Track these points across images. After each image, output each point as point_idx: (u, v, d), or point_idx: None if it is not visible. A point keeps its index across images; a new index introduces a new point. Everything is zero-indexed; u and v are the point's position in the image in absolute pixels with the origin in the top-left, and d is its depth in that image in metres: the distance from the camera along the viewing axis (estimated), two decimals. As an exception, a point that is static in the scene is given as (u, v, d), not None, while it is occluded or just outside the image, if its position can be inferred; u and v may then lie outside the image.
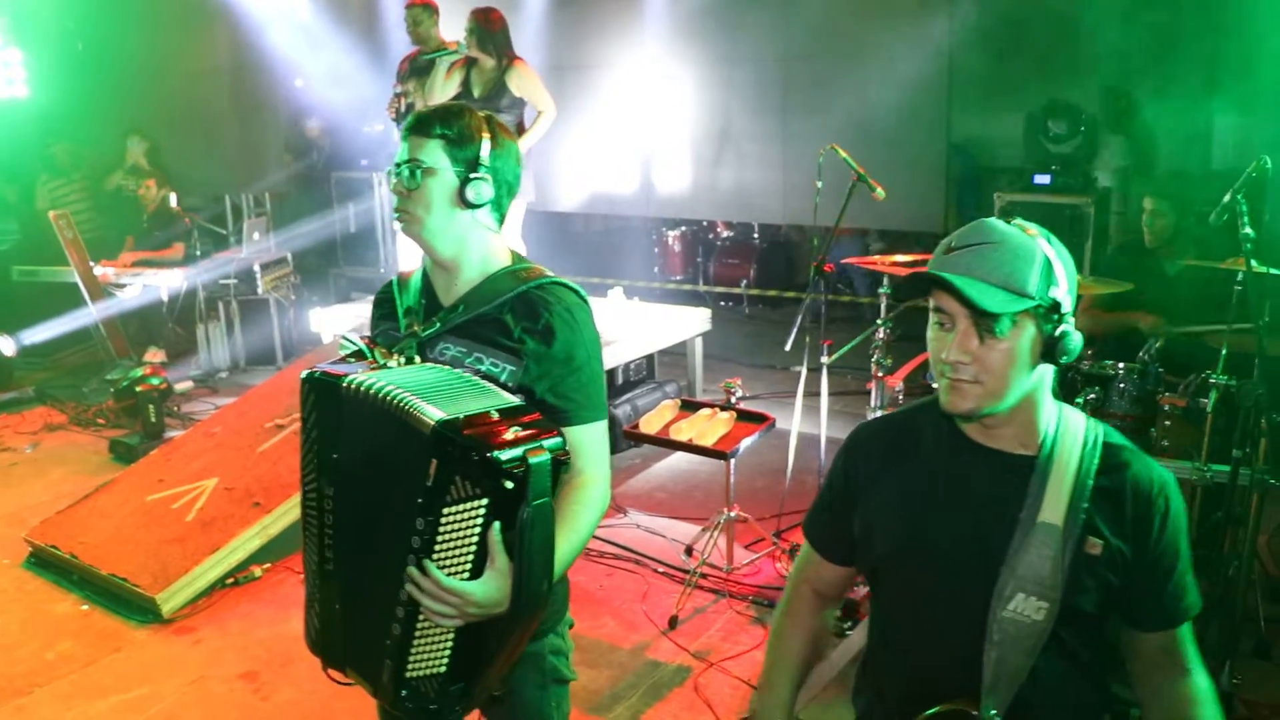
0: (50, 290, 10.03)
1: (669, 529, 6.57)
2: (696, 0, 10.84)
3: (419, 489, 2.22)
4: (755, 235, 12.67)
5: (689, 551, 6.18)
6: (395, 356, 2.64)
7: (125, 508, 6.45)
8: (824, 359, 6.09)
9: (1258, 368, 4.46)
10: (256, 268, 10.14)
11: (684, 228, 12.81)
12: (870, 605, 2.60)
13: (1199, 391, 4.92)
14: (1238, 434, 4.53)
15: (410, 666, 2.36)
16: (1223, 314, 4.85)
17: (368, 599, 2.47)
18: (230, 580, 5.94)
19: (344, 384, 2.44)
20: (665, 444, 6.07)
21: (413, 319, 2.78)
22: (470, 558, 2.23)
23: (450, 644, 2.33)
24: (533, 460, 2.16)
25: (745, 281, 12.07)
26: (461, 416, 2.21)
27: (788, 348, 6.28)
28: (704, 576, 5.82)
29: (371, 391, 2.37)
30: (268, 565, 6.04)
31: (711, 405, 6.22)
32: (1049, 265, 2.19)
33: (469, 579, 2.24)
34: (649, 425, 6.09)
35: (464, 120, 2.67)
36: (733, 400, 6.27)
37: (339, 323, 9.22)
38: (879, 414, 5.86)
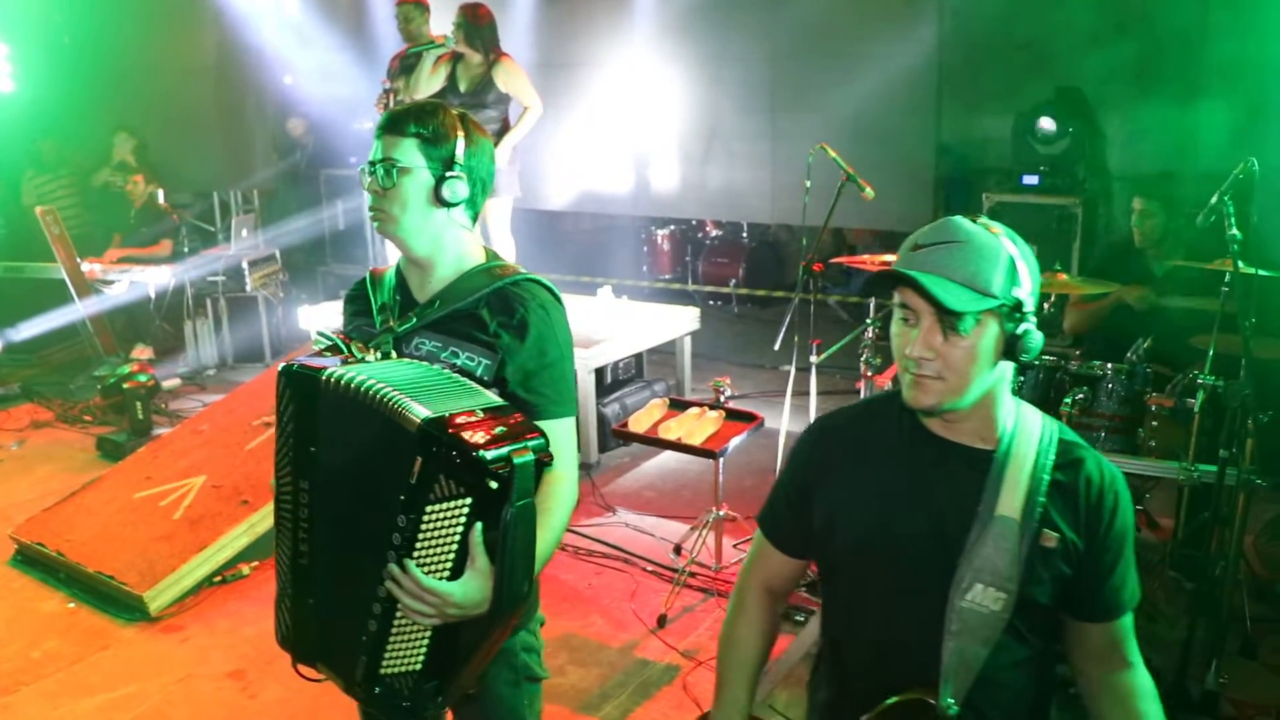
0: (37, 286, 9.99)
1: (658, 528, 6.58)
2: (686, -1, 10.85)
3: (402, 486, 2.21)
4: (744, 234, 12.68)
5: (678, 550, 6.19)
6: (372, 351, 2.64)
7: (112, 505, 6.44)
8: (813, 358, 6.09)
9: (1245, 368, 4.48)
10: (245, 265, 10.12)
11: (673, 227, 12.81)
12: (825, 597, 2.62)
13: (1186, 392, 4.93)
14: (1224, 434, 4.55)
15: (385, 663, 2.35)
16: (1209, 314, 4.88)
17: (343, 594, 2.46)
18: (218, 578, 5.93)
19: (323, 378, 2.42)
20: (654, 443, 6.07)
21: (388, 315, 2.79)
22: (451, 557, 2.23)
23: (426, 642, 2.32)
24: (517, 460, 2.16)
25: (734, 281, 12.08)
26: (447, 415, 2.21)
27: (776, 347, 6.30)
28: (693, 575, 5.83)
29: (353, 386, 2.35)
30: (255, 563, 6.03)
31: (700, 404, 6.22)
32: (1013, 265, 2.23)
33: (449, 578, 2.23)
34: (638, 424, 6.09)
35: (439, 119, 2.69)
36: (721, 399, 6.27)
37: (327, 320, 9.20)
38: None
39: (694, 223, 12.84)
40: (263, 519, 6.03)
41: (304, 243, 12.56)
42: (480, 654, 2.35)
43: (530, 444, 2.21)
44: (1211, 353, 4.79)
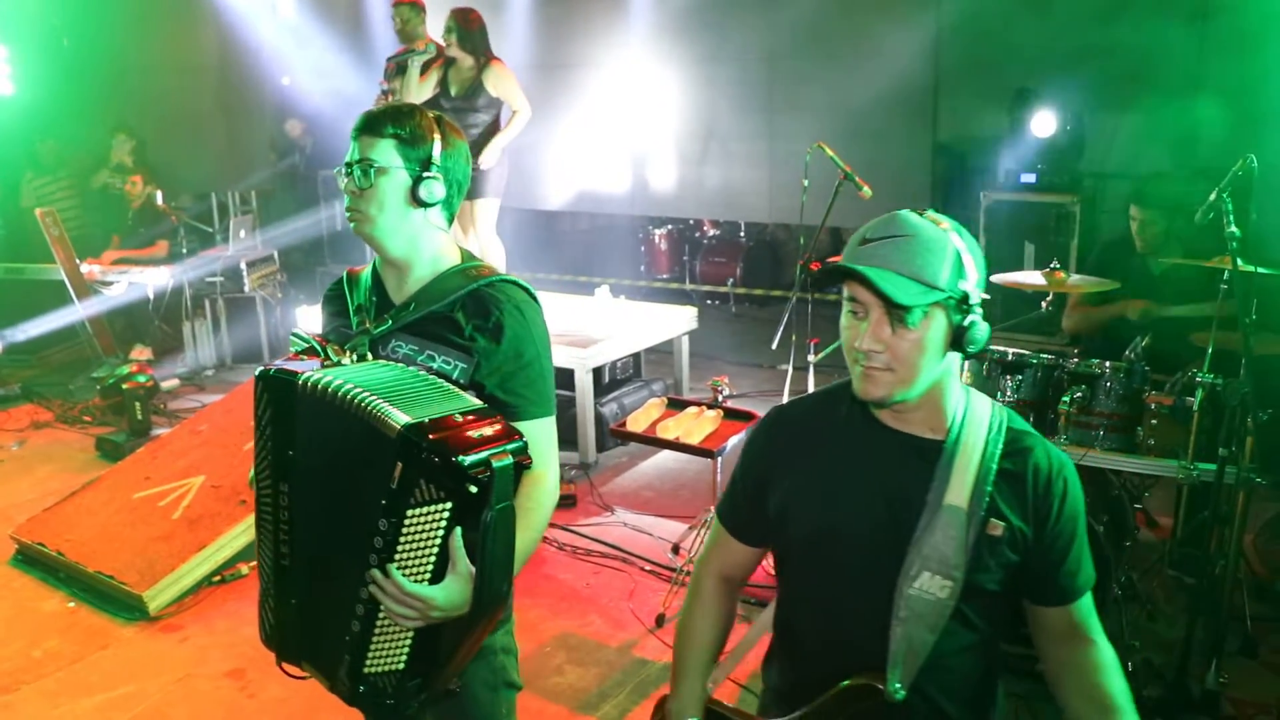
0: (36, 288, 9.99)
1: (656, 527, 6.58)
2: (682, -1, 10.85)
3: (382, 490, 2.23)
4: (742, 234, 12.68)
5: (676, 550, 6.19)
6: (348, 354, 2.65)
7: (112, 505, 6.44)
8: (810, 357, 6.10)
9: (1244, 366, 4.47)
10: (243, 265, 10.12)
11: (670, 226, 12.82)
12: (779, 584, 2.67)
13: (1185, 390, 4.93)
14: (1224, 432, 4.54)
15: (368, 663, 2.37)
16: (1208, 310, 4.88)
17: (325, 594, 2.48)
18: (217, 578, 5.93)
19: (300, 381, 2.43)
20: (652, 442, 6.08)
21: (364, 316, 2.80)
22: (432, 559, 2.24)
23: (408, 642, 2.34)
24: (496, 464, 2.17)
25: (732, 280, 12.08)
26: (427, 420, 2.21)
27: (774, 346, 6.29)
28: (690, 574, 5.81)
29: (330, 390, 2.36)
30: (254, 563, 5.98)
31: (698, 403, 6.22)
32: (959, 258, 2.27)
33: (430, 580, 2.25)
34: (636, 424, 6.09)
35: (415, 120, 2.70)
36: (719, 398, 6.27)
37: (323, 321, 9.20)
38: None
39: (691, 222, 12.85)
40: (262, 519, 6.02)
41: (302, 243, 12.57)
42: (462, 652, 2.37)
43: (509, 447, 2.22)
44: (1210, 350, 4.79)
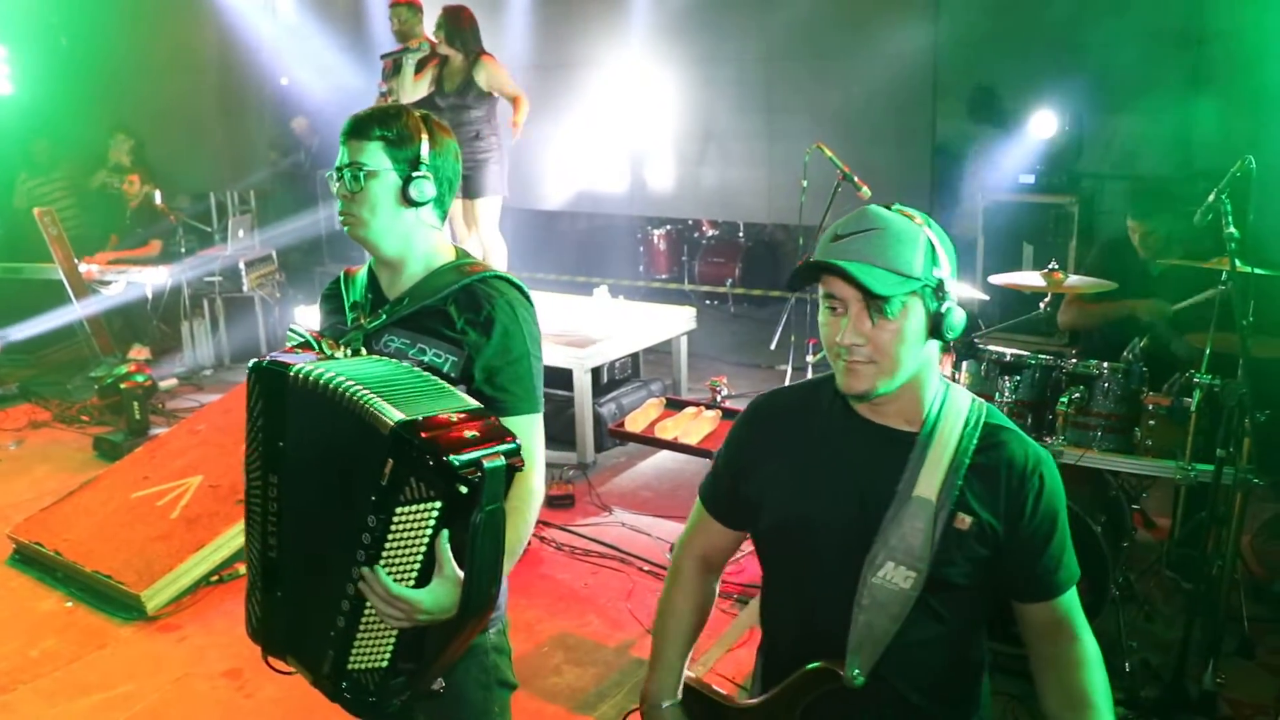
0: (35, 287, 9.99)
1: (654, 527, 6.57)
2: (682, -1, 10.84)
3: (372, 486, 2.23)
4: (740, 234, 12.67)
5: (674, 550, 6.17)
6: (342, 348, 2.67)
7: (109, 505, 6.44)
8: (809, 358, 6.11)
9: (1242, 367, 4.48)
10: (241, 265, 10.12)
11: (669, 226, 12.81)
12: (761, 572, 2.67)
13: (1183, 391, 4.93)
14: (1221, 433, 4.55)
15: (353, 659, 2.37)
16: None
17: (311, 588, 2.48)
18: (215, 578, 5.93)
19: (291, 373, 2.44)
20: (650, 442, 6.09)
21: (359, 312, 2.81)
22: (419, 558, 2.24)
23: (393, 640, 2.35)
24: (488, 465, 2.17)
25: (730, 280, 12.08)
26: (420, 418, 2.21)
27: (773, 346, 6.31)
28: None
29: (321, 382, 2.37)
30: (252, 562, 6.03)
31: (697, 404, 6.24)
32: (932, 246, 2.30)
33: (417, 578, 2.25)
34: (634, 424, 6.11)
35: (401, 120, 2.71)
36: (718, 399, 6.29)
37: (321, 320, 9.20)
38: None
39: (690, 222, 12.84)
40: (259, 519, 6.02)
41: (300, 243, 12.58)
42: (448, 652, 2.37)
43: (501, 449, 2.22)
44: (1208, 351, 4.79)
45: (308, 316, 9.35)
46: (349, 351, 2.66)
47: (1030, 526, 2.34)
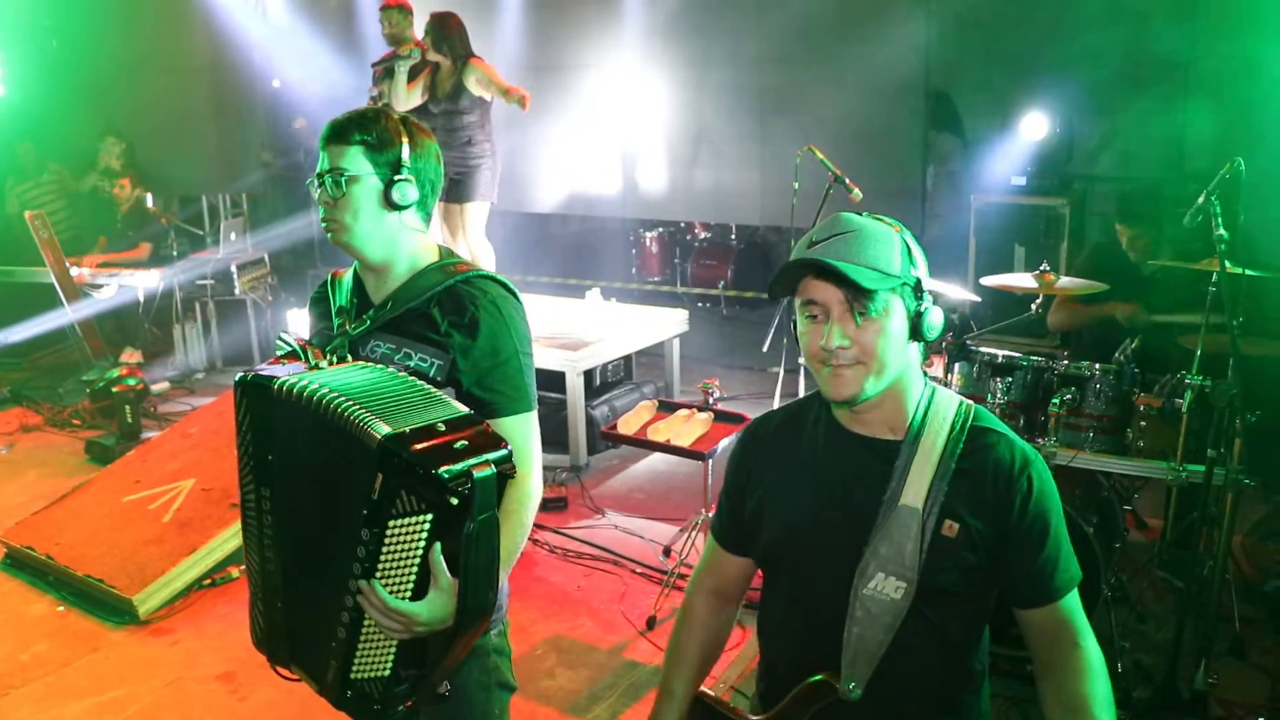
0: (26, 290, 9.97)
1: (647, 530, 6.59)
2: (674, 1, 10.82)
3: (364, 500, 2.23)
4: (733, 236, 12.67)
5: (667, 552, 6.19)
6: (327, 357, 2.66)
7: (102, 509, 6.44)
8: (801, 360, 6.10)
9: (1232, 368, 4.49)
10: (233, 268, 10.09)
11: (661, 229, 12.80)
12: (761, 588, 2.67)
13: (1174, 392, 4.95)
14: (1212, 434, 4.57)
15: (354, 669, 2.38)
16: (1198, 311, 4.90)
17: (310, 600, 2.49)
18: (207, 581, 5.93)
19: (274, 386, 2.44)
20: (643, 445, 6.08)
21: (345, 318, 2.81)
22: (415, 570, 2.25)
23: (394, 649, 2.35)
24: (477, 475, 2.16)
25: (723, 283, 12.08)
26: (408, 430, 2.21)
27: (765, 349, 6.30)
28: (682, 577, 5.82)
29: (304, 395, 2.37)
30: (244, 567, 6.01)
31: (689, 406, 6.23)
32: (907, 246, 2.33)
33: (413, 589, 2.25)
34: (627, 426, 6.10)
35: (381, 124, 2.70)
36: (710, 401, 6.27)
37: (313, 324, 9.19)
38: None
39: (682, 225, 12.84)
40: (252, 522, 6.02)
41: (292, 246, 12.58)
42: (449, 659, 2.37)
43: (492, 457, 2.21)
44: (1199, 353, 4.80)
45: (299, 320, 9.34)
46: (334, 359, 2.66)
47: (1020, 530, 2.31)
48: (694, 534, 5.92)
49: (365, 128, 2.68)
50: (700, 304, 12.24)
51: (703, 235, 12.87)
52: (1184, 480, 4.77)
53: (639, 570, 6.08)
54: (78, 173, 11.42)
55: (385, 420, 2.23)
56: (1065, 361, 5.24)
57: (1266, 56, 7.62)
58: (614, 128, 11.52)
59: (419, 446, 2.17)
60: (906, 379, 2.37)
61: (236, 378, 2.56)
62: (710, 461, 5.73)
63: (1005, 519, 2.31)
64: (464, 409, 2.38)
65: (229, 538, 6.00)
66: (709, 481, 5.85)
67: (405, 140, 2.71)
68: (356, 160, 2.66)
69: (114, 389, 8.19)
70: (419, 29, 8.75)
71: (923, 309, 2.31)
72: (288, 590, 2.56)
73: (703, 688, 2.73)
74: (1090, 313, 6.04)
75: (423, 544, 2.22)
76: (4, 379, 9.80)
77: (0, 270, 10.23)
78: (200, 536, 5.99)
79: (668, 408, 6.32)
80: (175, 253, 10.38)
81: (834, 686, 2.35)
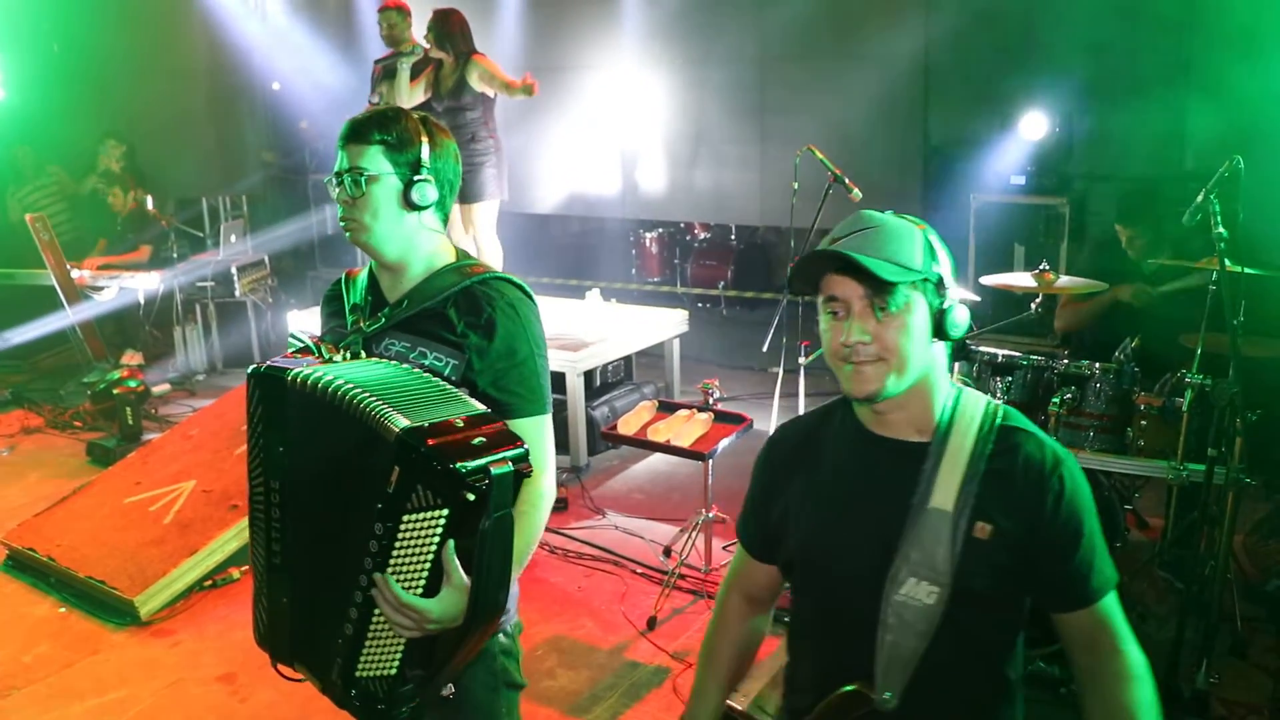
0: (27, 293, 9.97)
1: (647, 530, 6.59)
2: (673, 2, 10.82)
3: (379, 494, 2.21)
4: (733, 237, 12.65)
5: (667, 552, 6.19)
6: (341, 352, 2.65)
7: (103, 510, 6.44)
8: (801, 360, 6.10)
9: (1233, 367, 4.49)
10: (234, 270, 10.11)
11: (661, 229, 12.78)
12: (790, 597, 2.64)
13: (1175, 391, 4.95)
14: (1213, 433, 4.57)
15: (361, 667, 2.36)
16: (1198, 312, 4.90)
17: (318, 595, 2.47)
18: (208, 583, 5.93)
19: (289, 378, 2.43)
20: (643, 445, 6.08)
21: (359, 315, 2.80)
22: (427, 566, 2.23)
23: (402, 647, 2.33)
24: (495, 472, 2.15)
25: (723, 283, 12.06)
26: (426, 424, 2.19)
27: (765, 349, 6.29)
28: (682, 577, 5.83)
29: (321, 386, 2.35)
30: (246, 567, 6.02)
31: (689, 406, 6.22)
32: (929, 243, 2.29)
33: (424, 585, 2.23)
34: (627, 426, 6.10)
35: (401, 124, 2.69)
36: (710, 401, 6.27)
37: (315, 325, 9.18)
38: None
39: (682, 225, 12.81)
40: (253, 523, 6.02)
41: (292, 248, 12.59)
42: (457, 659, 2.35)
43: (509, 455, 2.20)
44: (1199, 351, 4.80)
45: (300, 321, 9.35)
46: (348, 355, 2.65)
47: (1053, 531, 2.25)
48: (694, 534, 5.92)
49: (385, 127, 2.67)
50: (700, 304, 12.21)
51: (702, 236, 12.85)
52: (1185, 479, 4.77)
53: (639, 571, 6.08)
54: (78, 175, 11.41)
55: (403, 413, 2.22)
56: (1065, 361, 5.24)
57: (1267, 55, 7.62)
58: (614, 128, 11.55)
59: (437, 441, 2.16)
60: (932, 379, 2.33)
61: (250, 369, 2.54)
62: (710, 461, 5.73)
63: (1037, 519, 2.25)
64: (481, 406, 2.38)
65: (230, 539, 6.00)
66: (709, 482, 5.85)
67: (425, 140, 2.69)
68: (376, 160, 2.65)
69: (115, 391, 8.19)
70: (420, 28, 8.75)
71: (946, 306, 2.27)
72: (294, 584, 2.54)
73: (729, 702, 2.71)
74: (1094, 307, 6.05)
75: (437, 540, 2.20)
76: (5, 381, 9.81)
77: (1, 273, 10.23)
78: (201, 538, 5.99)
79: (668, 408, 6.32)
80: (175, 255, 10.38)
81: (868, 696, 2.30)
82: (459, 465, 2.12)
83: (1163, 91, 8.40)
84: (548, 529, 6.34)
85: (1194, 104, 8.31)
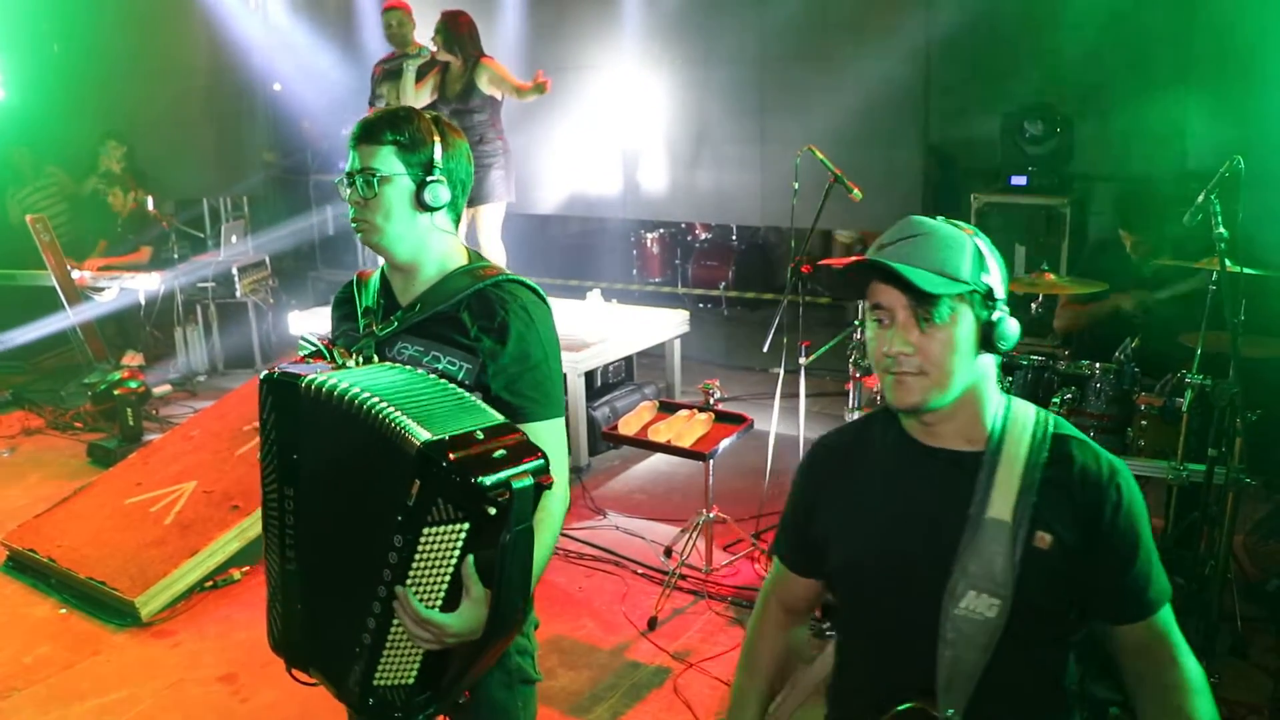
0: (27, 293, 9.98)
1: (648, 530, 6.59)
2: (674, 1, 10.82)
3: (397, 505, 2.19)
4: (733, 237, 12.66)
5: (668, 553, 6.19)
6: (354, 356, 2.63)
7: (103, 511, 6.44)
8: (802, 360, 6.10)
9: (1233, 367, 4.49)
10: (234, 271, 10.11)
11: (662, 230, 12.78)
12: (836, 612, 2.60)
13: (1175, 391, 4.95)
14: (1213, 433, 4.57)
15: (379, 675, 2.34)
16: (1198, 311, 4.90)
17: (334, 602, 2.46)
18: (209, 583, 5.94)
19: (303, 384, 2.41)
20: (644, 445, 6.08)
21: (371, 319, 2.79)
22: (446, 579, 2.21)
23: (420, 657, 2.31)
24: (516, 485, 2.13)
25: (724, 283, 12.06)
26: (447, 437, 2.17)
27: (766, 349, 6.29)
28: (683, 578, 5.83)
29: (336, 394, 2.33)
30: (246, 568, 6.04)
31: (690, 407, 6.23)
32: (979, 253, 2.24)
33: (444, 599, 2.22)
34: (628, 427, 6.10)
35: (414, 124, 2.68)
36: (711, 401, 6.27)
37: (317, 325, 9.20)
38: (847, 420, 5.90)
39: (683, 226, 12.81)
40: (253, 524, 6.03)
41: (293, 248, 12.60)
42: (475, 669, 2.34)
43: (529, 467, 2.18)
44: (1199, 351, 4.80)
45: (301, 321, 9.36)
46: (361, 359, 2.64)
47: (1112, 540, 2.22)
48: (695, 535, 5.93)
49: (398, 127, 2.66)
50: (701, 305, 12.22)
51: (703, 236, 12.85)
52: (1185, 479, 4.77)
53: (640, 571, 6.08)
54: (78, 176, 11.41)
55: (423, 425, 2.20)
56: (1065, 361, 5.24)
57: (1269, 55, 7.62)
58: (615, 129, 11.54)
59: (458, 454, 2.14)
60: (981, 389, 2.29)
61: (262, 375, 2.52)
62: (711, 462, 5.74)
63: (1096, 529, 2.22)
64: (499, 416, 2.36)
65: (231, 540, 6.01)
66: (710, 482, 5.85)
67: (437, 140, 2.68)
68: (388, 160, 2.64)
69: (115, 392, 8.19)
70: (424, 29, 8.75)
71: (994, 318, 2.23)
72: (309, 592, 2.53)
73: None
74: (1094, 310, 6.05)
75: (457, 554, 2.18)
76: (6, 382, 9.80)
77: (2, 274, 10.22)
78: (202, 539, 5.99)
79: (669, 408, 6.32)
80: (176, 255, 10.39)
81: (930, 714, 2.26)
82: (480, 480, 2.10)
83: (1163, 92, 8.39)
84: (549, 529, 6.36)
85: (1195, 104, 8.31)
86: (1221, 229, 4.48)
